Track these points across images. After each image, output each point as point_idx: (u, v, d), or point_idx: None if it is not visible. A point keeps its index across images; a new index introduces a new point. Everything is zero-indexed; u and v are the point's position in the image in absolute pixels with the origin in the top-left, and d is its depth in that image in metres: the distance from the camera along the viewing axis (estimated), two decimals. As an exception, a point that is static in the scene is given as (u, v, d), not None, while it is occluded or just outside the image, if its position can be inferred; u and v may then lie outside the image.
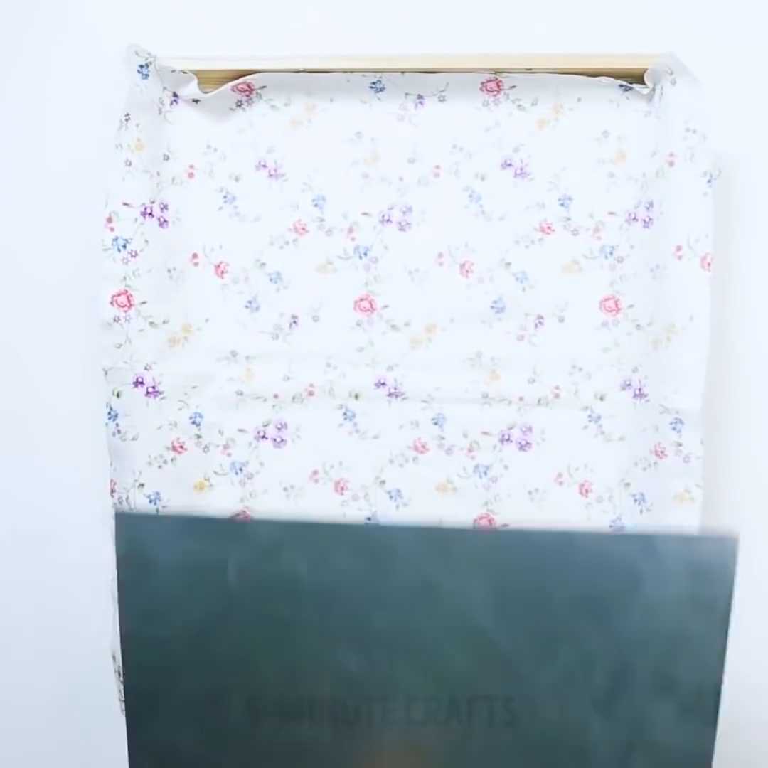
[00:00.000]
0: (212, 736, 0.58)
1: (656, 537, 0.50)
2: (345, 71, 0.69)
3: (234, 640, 0.55)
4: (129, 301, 0.68)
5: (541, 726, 0.54)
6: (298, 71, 0.69)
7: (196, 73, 0.69)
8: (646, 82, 0.70)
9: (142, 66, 0.68)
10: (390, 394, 0.73)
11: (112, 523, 0.60)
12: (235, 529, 0.55)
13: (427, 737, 0.56)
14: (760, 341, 0.72)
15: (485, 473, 0.73)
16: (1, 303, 0.74)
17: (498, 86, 0.71)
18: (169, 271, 0.72)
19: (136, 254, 0.69)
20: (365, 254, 0.73)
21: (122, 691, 0.65)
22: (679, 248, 0.66)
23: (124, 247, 0.68)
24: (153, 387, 0.70)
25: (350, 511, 0.74)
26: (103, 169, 0.68)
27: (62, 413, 0.74)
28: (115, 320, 0.68)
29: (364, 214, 0.73)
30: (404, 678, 0.55)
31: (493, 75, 0.70)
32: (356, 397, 0.73)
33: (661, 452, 0.67)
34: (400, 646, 0.55)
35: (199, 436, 0.74)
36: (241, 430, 0.74)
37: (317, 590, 0.54)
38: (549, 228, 0.72)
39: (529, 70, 0.68)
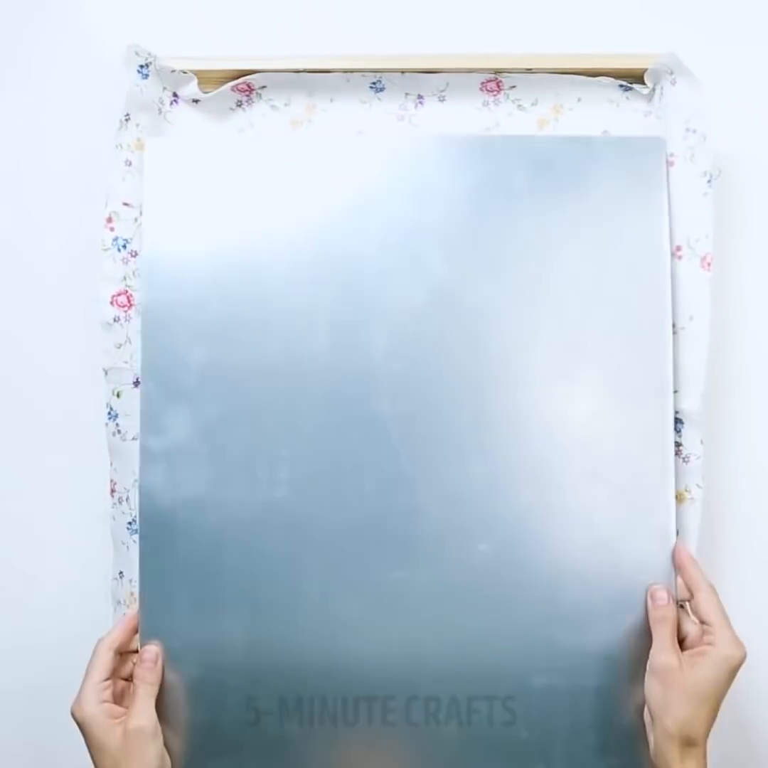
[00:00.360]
0: (222, 347, 0.66)
1: (598, 140, 0.68)
2: (345, 71, 0.69)
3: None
4: (129, 301, 0.68)
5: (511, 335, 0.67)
6: (298, 71, 0.69)
7: (196, 73, 0.69)
8: (646, 82, 0.70)
9: (142, 66, 0.69)
10: None
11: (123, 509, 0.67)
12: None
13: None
14: (761, 341, 0.72)
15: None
16: (16, 311, 0.74)
17: (498, 86, 0.71)
18: None
19: (136, 254, 0.69)
20: (367, 252, 0.74)
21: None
22: (679, 248, 0.66)
23: (124, 247, 0.68)
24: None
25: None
26: (103, 169, 0.69)
27: (62, 412, 0.74)
28: (115, 320, 0.68)
29: (366, 212, 0.74)
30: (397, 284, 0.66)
31: (493, 75, 0.70)
32: None
33: None
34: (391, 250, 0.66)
35: None
36: None
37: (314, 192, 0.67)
38: (551, 226, 0.73)
39: (528, 70, 0.68)
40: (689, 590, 0.62)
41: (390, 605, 0.66)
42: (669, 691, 0.58)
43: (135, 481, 0.68)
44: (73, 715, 0.61)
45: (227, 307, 0.66)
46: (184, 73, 0.70)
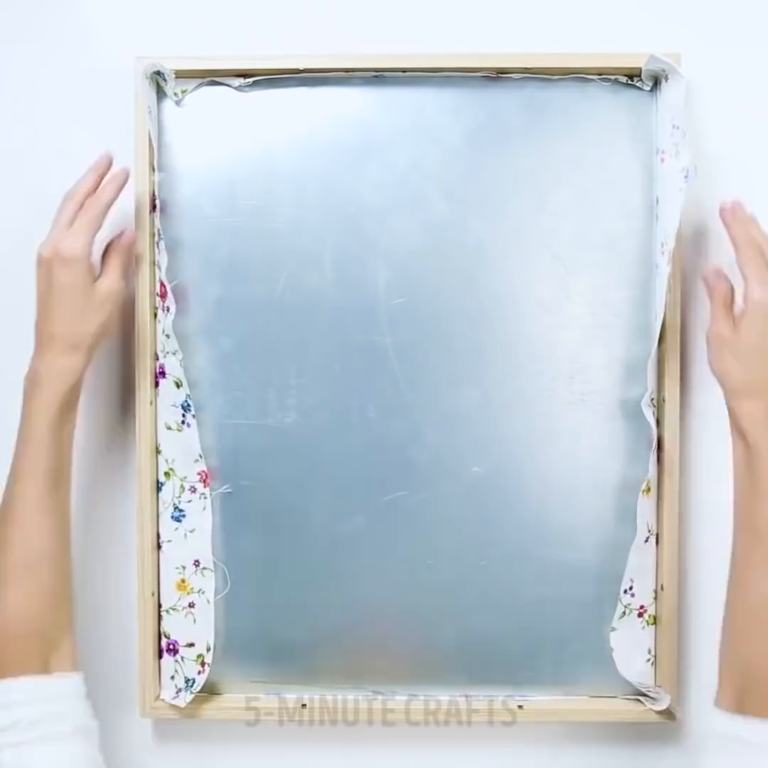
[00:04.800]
0: (234, 284, 0.70)
1: (592, 83, 0.70)
2: (345, 71, 0.70)
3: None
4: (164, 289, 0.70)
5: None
6: (298, 71, 0.70)
7: (196, 72, 0.70)
8: (643, 80, 0.70)
9: (153, 72, 0.68)
10: None
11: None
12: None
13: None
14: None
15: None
16: (18, 311, 0.72)
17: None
18: None
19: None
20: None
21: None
22: (662, 244, 0.69)
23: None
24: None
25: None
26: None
27: (82, 423, 0.71)
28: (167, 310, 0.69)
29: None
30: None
31: (493, 74, 0.70)
32: None
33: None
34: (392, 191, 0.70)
35: None
36: None
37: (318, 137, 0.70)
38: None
39: (528, 70, 0.70)
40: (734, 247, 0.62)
41: (390, 522, 0.70)
42: (725, 355, 0.62)
43: (195, 461, 0.70)
44: (57, 249, 0.61)
45: (238, 247, 0.70)
46: (187, 73, 0.69)
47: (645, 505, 0.68)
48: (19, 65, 0.73)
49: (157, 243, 0.69)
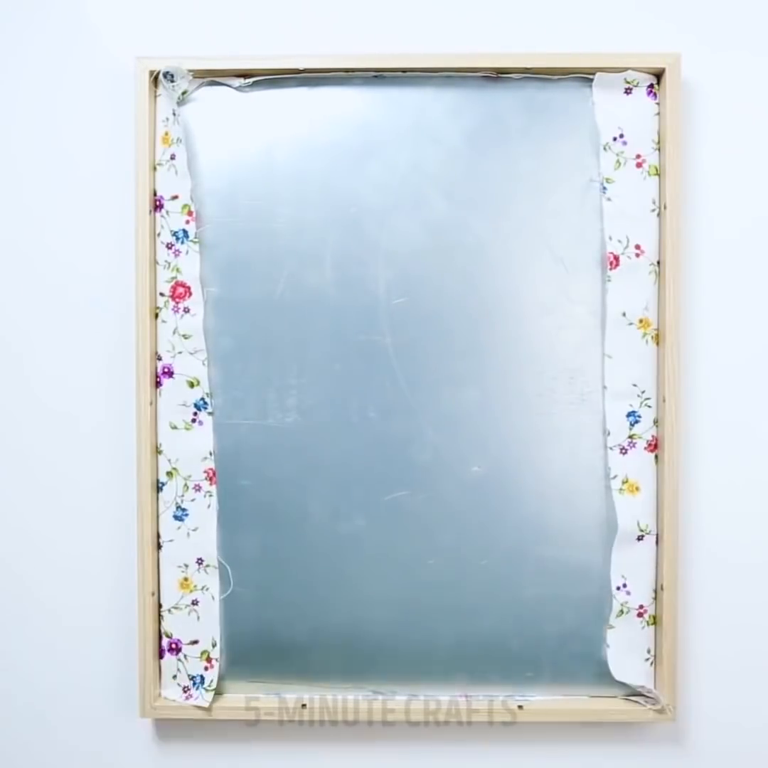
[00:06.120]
0: (234, 284, 0.70)
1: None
2: (345, 71, 0.71)
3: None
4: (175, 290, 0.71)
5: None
6: (298, 71, 0.71)
7: (196, 72, 0.71)
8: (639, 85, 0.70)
9: (166, 74, 0.69)
10: None
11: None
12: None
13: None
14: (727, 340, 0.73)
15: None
16: (18, 312, 0.74)
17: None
18: None
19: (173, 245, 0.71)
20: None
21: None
22: (637, 246, 0.70)
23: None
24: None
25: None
26: (113, 170, 0.72)
27: (83, 425, 0.74)
28: (185, 311, 0.71)
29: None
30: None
31: (493, 75, 0.71)
32: None
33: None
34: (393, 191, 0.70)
35: None
36: None
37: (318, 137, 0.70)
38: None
39: (528, 70, 0.70)
40: None
41: (391, 522, 0.70)
42: None
43: (203, 459, 0.71)
44: None
45: (239, 247, 0.70)
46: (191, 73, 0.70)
47: (622, 502, 0.69)
48: (19, 65, 0.73)
49: (184, 242, 0.70)
